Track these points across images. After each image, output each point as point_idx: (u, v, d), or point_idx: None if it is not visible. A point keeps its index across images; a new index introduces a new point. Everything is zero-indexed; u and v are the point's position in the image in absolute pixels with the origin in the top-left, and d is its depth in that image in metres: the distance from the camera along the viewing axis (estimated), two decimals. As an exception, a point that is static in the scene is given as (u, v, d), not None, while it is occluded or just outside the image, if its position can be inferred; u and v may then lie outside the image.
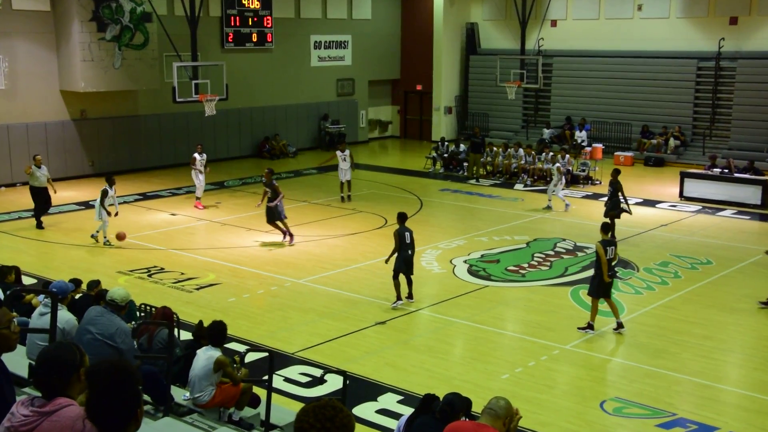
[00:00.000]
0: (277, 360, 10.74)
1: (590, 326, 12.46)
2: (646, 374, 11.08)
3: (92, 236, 17.49)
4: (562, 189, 21.30)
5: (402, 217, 13.73)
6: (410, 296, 13.75)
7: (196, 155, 21.10)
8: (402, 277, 13.56)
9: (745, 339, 12.48)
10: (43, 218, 19.03)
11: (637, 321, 13.17)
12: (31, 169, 18.66)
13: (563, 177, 21.22)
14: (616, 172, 17.98)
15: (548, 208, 21.06)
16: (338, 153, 22.23)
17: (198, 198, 21.21)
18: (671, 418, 9.64)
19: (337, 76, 33.01)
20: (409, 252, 13.48)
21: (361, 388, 10.33)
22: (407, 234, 13.48)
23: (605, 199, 18.39)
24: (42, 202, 18.90)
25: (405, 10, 35.23)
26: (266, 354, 10.43)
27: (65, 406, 3.55)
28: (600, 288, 12.33)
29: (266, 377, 9.54)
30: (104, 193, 17.05)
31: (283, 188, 23.76)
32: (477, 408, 6.46)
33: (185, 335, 10.33)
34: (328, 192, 23.45)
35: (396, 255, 13.43)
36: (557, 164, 21.41)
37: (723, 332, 12.69)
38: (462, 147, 27.47)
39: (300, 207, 21.47)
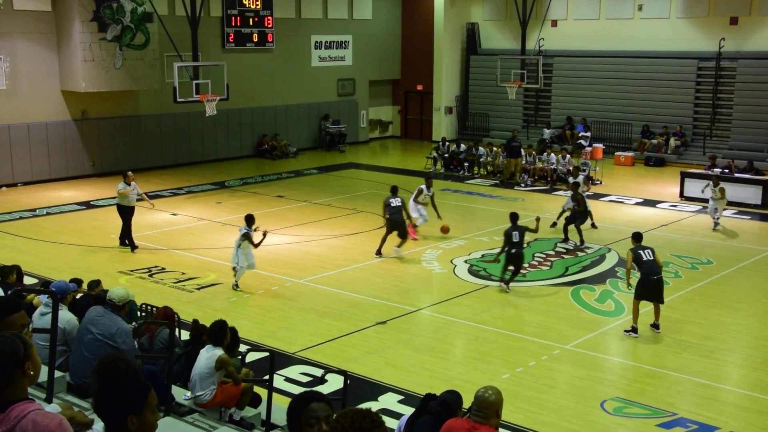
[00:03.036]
0: (278, 360, 10.75)
1: (634, 329, 12.37)
2: (647, 374, 11.10)
3: (234, 286, 14.55)
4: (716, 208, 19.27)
5: (514, 217, 14.73)
6: (505, 283, 14.52)
7: (423, 187, 18.59)
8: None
9: (745, 339, 12.48)
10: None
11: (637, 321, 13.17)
12: (125, 190, 16.83)
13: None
14: (576, 185, 18.19)
15: (716, 226, 19.22)
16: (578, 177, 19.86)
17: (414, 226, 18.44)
18: (672, 418, 9.66)
19: (337, 76, 33.03)
20: (513, 251, 14.34)
21: (361, 388, 10.35)
22: (515, 233, 14.34)
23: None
24: (129, 223, 17.12)
25: (405, 11, 35.24)
26: (267, 354, 10.46)
27: (22, 417, 3.23)
28: (637, 290, 12.37)
29: (267, 377, 9.58)
30: (245, 236, 14.19)
31: (284, 188, 23.95)
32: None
33: (186, 335, 10.32)
34: (329, 192, 23.47)
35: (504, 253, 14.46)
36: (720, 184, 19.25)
37: (723, 332, 12.70)
38: (462, 147, 27.48)
39: (301, 207, 21.48)
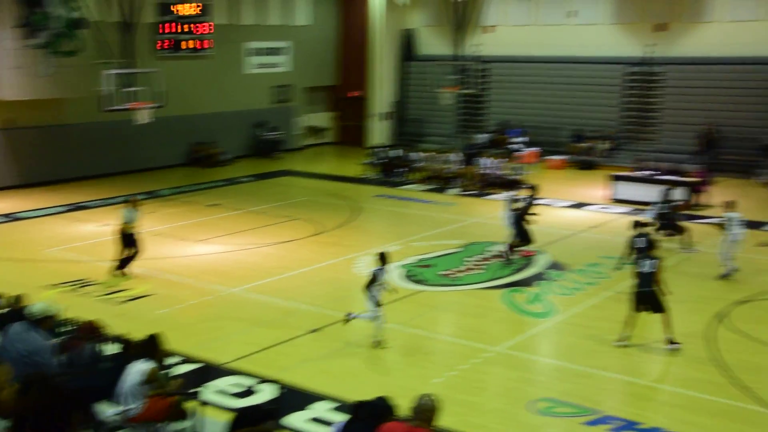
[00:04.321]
0: (210, 371, 10.68)
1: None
2: (575, 374, 11.31)
3: (348, 317, 12.56)
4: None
5: (636, 225, 14.91)
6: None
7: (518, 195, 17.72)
8: None
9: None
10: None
11: (566, 321, 13.45)
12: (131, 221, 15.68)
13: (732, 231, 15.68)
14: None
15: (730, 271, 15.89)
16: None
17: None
18: (598, 416, 9.87)
19: (274, 83, 32.88)
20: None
21: (295, 397, 10.31)
22: (638, 240, 14.42)
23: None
24: (131, 248, 15.83)
25: (343, 17, 35.28)
26: (198, 365, 10.37)
27: None
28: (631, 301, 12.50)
29: (198, 389, 9.49)
30: (376, 277, 11.97)
31: (219, 196, 23.73)
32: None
33: (113, 349, 10.13)
34: (263, 199, 23.35)
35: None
36: (734, 213, 15.76)
37: (648, 330, 12.98)
38: (396, 153, 27.64)
39: (235, 215, 21.31)
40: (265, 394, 10.31)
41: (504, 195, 17.88)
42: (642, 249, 14.20)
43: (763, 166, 26.05)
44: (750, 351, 12.13)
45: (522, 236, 16.87)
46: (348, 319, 12.48)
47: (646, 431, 9.51)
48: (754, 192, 24.33)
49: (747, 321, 13.35)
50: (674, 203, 17.96)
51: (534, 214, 16.97)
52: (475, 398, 10.48)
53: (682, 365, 11.67)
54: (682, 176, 22.88)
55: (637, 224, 15.00)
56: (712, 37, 28.12)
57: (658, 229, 17.15)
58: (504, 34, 32.33)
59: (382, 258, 12.03)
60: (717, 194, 22.62)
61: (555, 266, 16.46)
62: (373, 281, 11.88)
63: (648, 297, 12.14)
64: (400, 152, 27.69)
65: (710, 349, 12.12)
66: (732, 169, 26.50)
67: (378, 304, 11.93)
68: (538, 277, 15.81)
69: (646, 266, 12.15)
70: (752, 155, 26.58)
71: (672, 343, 12.09)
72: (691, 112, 28.15)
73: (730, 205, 15.74)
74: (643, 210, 21.73)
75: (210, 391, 10.35)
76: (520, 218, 16.86)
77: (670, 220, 17.76)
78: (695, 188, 22.46)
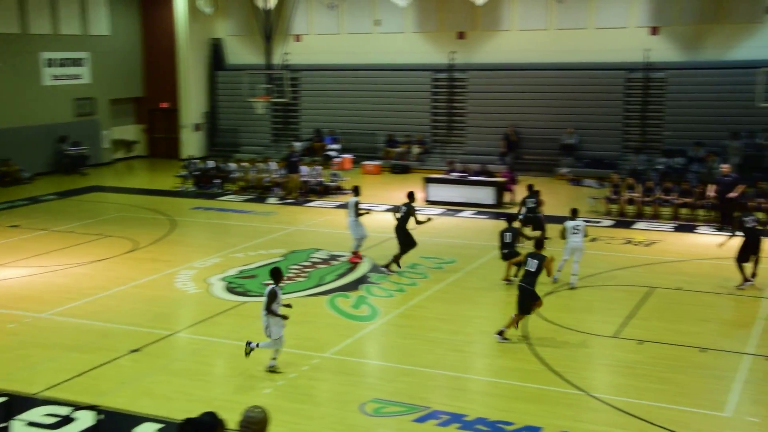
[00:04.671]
0: (18, 403, 9.92)
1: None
2: (402, 373, 11.54)
3: (249, 345, 11.59)
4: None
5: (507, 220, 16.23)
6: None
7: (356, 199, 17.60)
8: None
9: (488, 330, 13.35)
10: None
11: (391, 323, 13.72)
12: None
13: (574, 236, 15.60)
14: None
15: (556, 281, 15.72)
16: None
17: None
18: (426, 412, 10.11)
19: (74, 96, 31.16)
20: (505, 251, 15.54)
21: (116, 422, 9.78)
22: (506, 234, 15.61)
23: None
24: None
25: (146, 26, 34.07)
26: (4, 398, 9.60)
27: None
28: None
29: (5, 424, 8.82)
30: (273, 296, 11.21)
31: (19, 217, 22.15)
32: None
33: None
34: (70, 218, 22.06)
35: None
36: (573, 221, 15.68)
37: (469, 326, 13.54)
38: (210, 164, 27.08)
39: (39, 236, 19.97)
40: (84, 421, 9.70)
41: (349, 201, 17.77)
42: (509, 244, 15.15)
43: (564, 164, 27.93)
44: (559, 338, 12.90)
45: (407, 244, 16.70)
46: (250, 350, 11.53)
47: (472, 422, 9.85)
48: (559, 188, 25.99)
49: (555, 310, 14.20)
50: (539, 200, 18.76)
51: (421, 222, 16.81)
52: (305, 405, 10.44)
53: (502, 357, 12.23)
54: (490, 177, 24.04)
55: (508, 219, 15.95)
56: (507, 45, 29.80)
57: (524, 224, 17.95)
58: (313, 42, 32.59)
59: (277, 274, 11.34)
60: (523, 193, 24.05)
61: (376, 269, 16.75)
62: (273, 300, 11.12)
63: (521, 292, 12.64)
64: (214, 163, 27.13)
65: (527, 339, 12.77)
66: (535, 168, 28.22)
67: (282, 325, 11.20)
68: (360, 281, 16.02)
69: (533, 265, 12.59)
70: (553, 154, 28.42)
71: (502, 336, 12.64)
72: (493, 115, 29.67)
73: (572, 213, 15.95)
74: (457, 211, 22.69)
75: (21, 424, 9.62)
76: (402, 227, 16.69)
77: (537, 215, 18.42)
78: (504, 187, 23.70)
